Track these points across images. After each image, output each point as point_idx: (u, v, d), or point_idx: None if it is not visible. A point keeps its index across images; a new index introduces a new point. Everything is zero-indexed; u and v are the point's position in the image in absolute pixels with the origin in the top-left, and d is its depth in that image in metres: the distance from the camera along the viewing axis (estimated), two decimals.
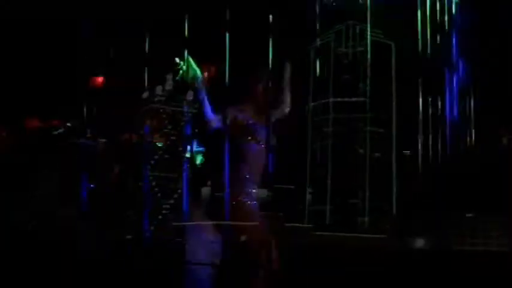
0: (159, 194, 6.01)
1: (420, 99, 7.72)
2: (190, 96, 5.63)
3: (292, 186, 7.23)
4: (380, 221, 6.81)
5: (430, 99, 7.80)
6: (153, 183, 5.93)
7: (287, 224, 6.36)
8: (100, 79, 8.59)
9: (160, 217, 5.99)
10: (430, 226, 5.91)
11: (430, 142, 7.73)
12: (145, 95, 5.75)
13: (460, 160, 7.81)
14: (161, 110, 5.74)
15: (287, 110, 4.70)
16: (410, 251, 5.39)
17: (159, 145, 5.92)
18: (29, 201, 6.84)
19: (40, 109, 8.34)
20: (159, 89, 5.68)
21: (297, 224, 6.64)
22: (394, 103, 7.16)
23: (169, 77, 5.63)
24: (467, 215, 6.20)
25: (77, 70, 8.21)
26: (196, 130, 5.80)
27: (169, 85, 5.65)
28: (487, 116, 7.92)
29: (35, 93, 8.43)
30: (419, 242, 5.59)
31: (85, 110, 7.62)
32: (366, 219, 6.88)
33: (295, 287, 4.65)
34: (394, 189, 6.98)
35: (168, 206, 6.03)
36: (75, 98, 7.86)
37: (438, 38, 7.72)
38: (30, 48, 8.69)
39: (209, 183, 6.50)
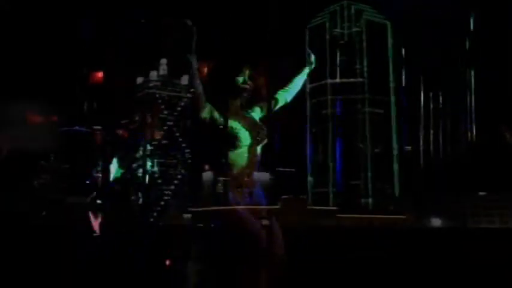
0: (159, 180, 6.04)
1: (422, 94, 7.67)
2: (185, 81, 5.64)
3: (293, 169, 7.23)
4: (386, 202, 6.77)
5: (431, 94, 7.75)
6: (153, 170, 5.96)
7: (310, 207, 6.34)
8: (100, 74, 8.65)
9: (162, 203, 6.02)
10: (443, 206, 5.87)
11: (431, 137, 7.69)
12: (139, 80, 5.75)
13: (462, 151, 7.77)
14: (157, 95, 5.74)
15: (290, 98, 4.57)
16: (434, 230, 5.34)
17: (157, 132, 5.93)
18: (35, 191, 6.91)
19: (40, 104, 8.39)
20: (153, 75, 5.67)
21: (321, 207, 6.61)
22: (391, 85, 7.09)
23: (163, 61, 5.64)
24: (480, 193, 6.18)
25: (76, 66, 8.26)
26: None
27: (163, 70, 5.65)
28: (488, 112, 7.89)
29: (35, 89, 8.47)
30: (437, 221, 5.56)
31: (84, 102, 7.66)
32: (370, 200, 6.84)
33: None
34: (396, 171, 6.93)
35: (169, 192, 6.06)
36: (75, 91, 7.91)
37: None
38: (30, 47, 8.75)
39: (207, 167, 6.48)
